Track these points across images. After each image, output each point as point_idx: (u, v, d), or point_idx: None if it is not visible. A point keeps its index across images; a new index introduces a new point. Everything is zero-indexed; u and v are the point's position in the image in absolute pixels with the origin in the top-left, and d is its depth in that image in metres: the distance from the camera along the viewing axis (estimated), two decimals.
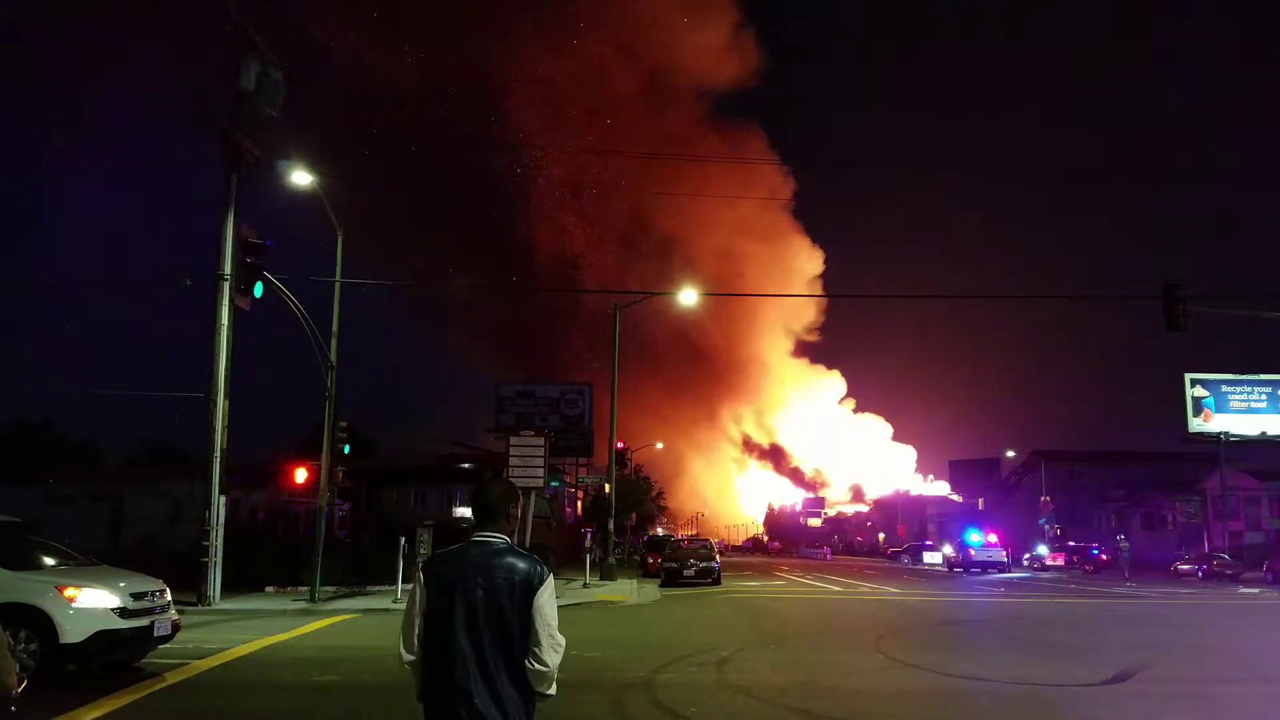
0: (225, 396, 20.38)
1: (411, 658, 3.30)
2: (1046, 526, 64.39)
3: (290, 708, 9.37)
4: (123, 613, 10.22)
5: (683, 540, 46.35)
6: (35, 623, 9.72)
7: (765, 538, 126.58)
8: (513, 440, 26.24)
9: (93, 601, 10.06)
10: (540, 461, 25.89)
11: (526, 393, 38.64)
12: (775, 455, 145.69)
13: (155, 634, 10.72)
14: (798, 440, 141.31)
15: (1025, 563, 58.04)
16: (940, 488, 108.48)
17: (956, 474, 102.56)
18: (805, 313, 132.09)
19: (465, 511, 38.47)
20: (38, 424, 58.19)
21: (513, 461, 25.50)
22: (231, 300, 20.36)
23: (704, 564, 30.41)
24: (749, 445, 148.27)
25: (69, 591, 9.98)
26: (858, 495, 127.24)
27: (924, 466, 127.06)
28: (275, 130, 22.26)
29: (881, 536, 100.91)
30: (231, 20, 20.37)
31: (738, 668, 11.72)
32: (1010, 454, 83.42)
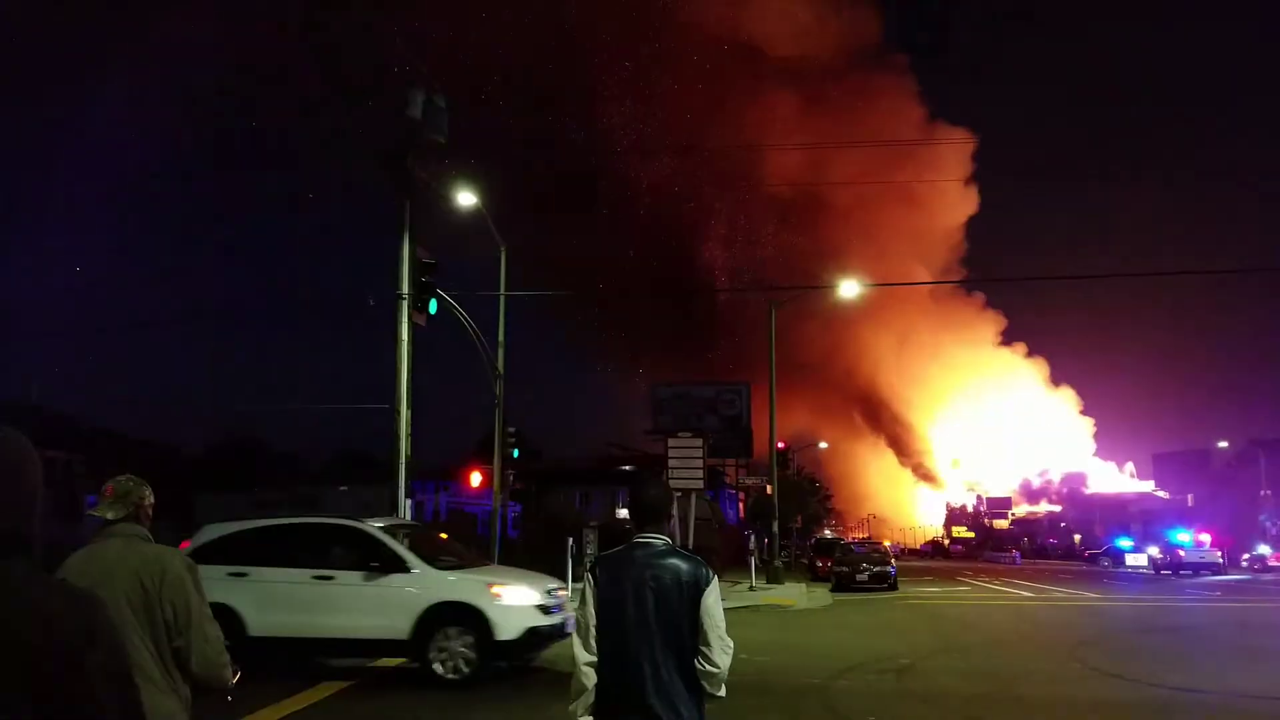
0: (408, 406, 21.63)
1: (591, 658, 3.30)
2: (1267, 523, 58.46)
3: (469, 701, 9.75)
4: (543, 609, 10.48)
5: (854, 543, 45.14)
6: (471, 620, 10.06)
7: (946, 541, 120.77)
8: (670, 442, 26.34)
9: (519, 599, 10.36)
10: (699, 462, 25.85)
11: (683, 394, 38.74)
12: (951, 454, 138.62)
13: (564, 630, 10.70)
14: (974, 433, 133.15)
15: (1244, 564, 52.83)
16: (1138, 483, 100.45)
17: (1161, 468, 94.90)
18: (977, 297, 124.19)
19: (626, 513, 38.99)
20: (246, 437, 63.84)
21: (672, 463, 25.59)
22: (410, 317, 21.62)
23: (878, 568, 29.44)
24: (903, 445, 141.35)
25: (496, 589, 10.29)
26: (1045, 492, 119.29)
27: (1121, 459, 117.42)
28: (441, 153, 23.48)
29: (1077, 537, 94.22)
30: (399, 52, 21.68)
31: (919, 675, 11.23)
32: (1223, 445, 76.48)
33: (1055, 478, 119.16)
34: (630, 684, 3.20)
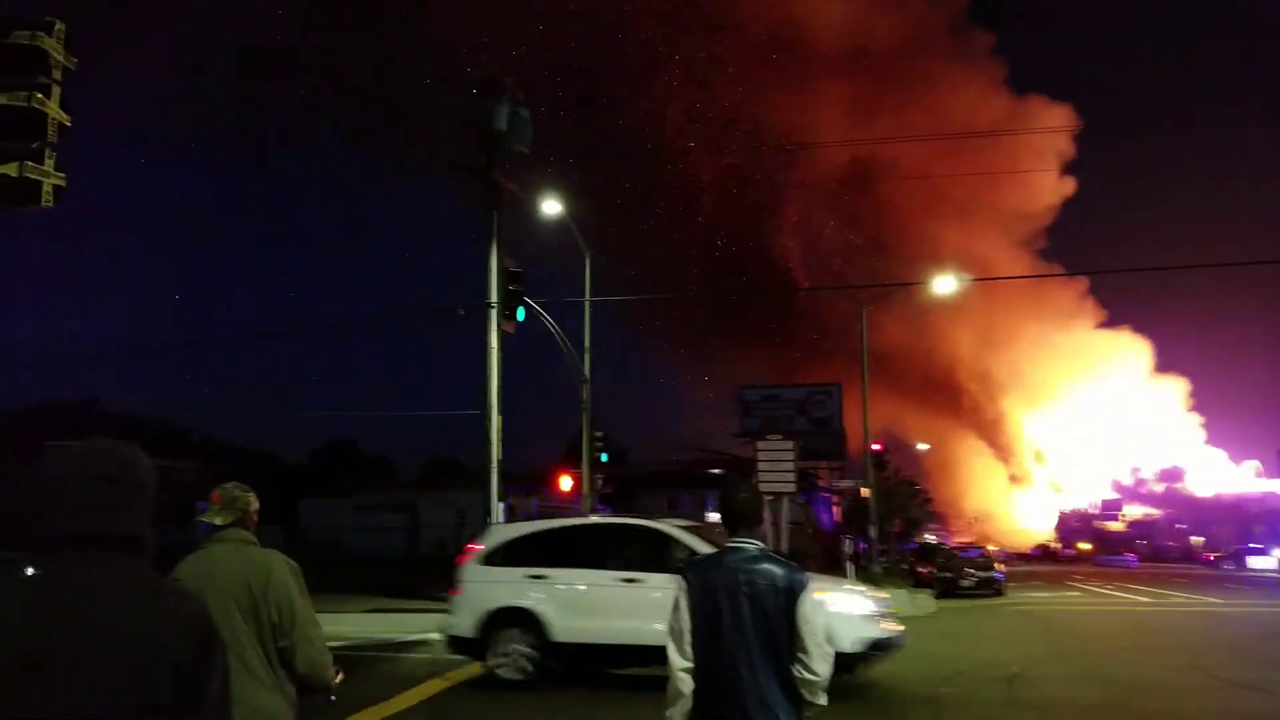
0: (498, 413, 22.05)
1: (688, 664, 3.26)
2: None
3: (572, 702, 9.80)
4: (877, 619, 10.12)
5: (958, 547, 43.87)
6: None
7: (1056, 544, 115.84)
8: (760, 445, 26.06)
9: (853, 607, 9.96)
10: (790, 466, 25.50)
11: (771, 396, 38.32)
12: (1041, 450, 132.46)
13: (900, 642, 10.36)
14: (1065, 427, 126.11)
15: None
16: (1264, 482, 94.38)
17: None
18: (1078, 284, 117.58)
19: (714, 517, 38.85)
20: (344, 443, 66.11)
21: (761, 466, 25.30)
22: (499, 325, 22.04)
23: (984, 573, 28.55)
24: (999, 444, 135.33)
25: (833, 596, 9.79)
26: (1138, 490, 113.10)
27: (1237, 454, 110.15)
28: (526, 163, 23.89)
29: (1199, 540, 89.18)
30: (484, 65, 22.14)
31: (1030, 684, 10.80)
32: None
33: (1150, 474, 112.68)
34: (727, 690, 3.16)
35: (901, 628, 10.46)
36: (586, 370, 23.67)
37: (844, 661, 8.86)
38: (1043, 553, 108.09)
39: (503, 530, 11.18)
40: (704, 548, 9.74)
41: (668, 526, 10.51)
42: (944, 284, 29.87)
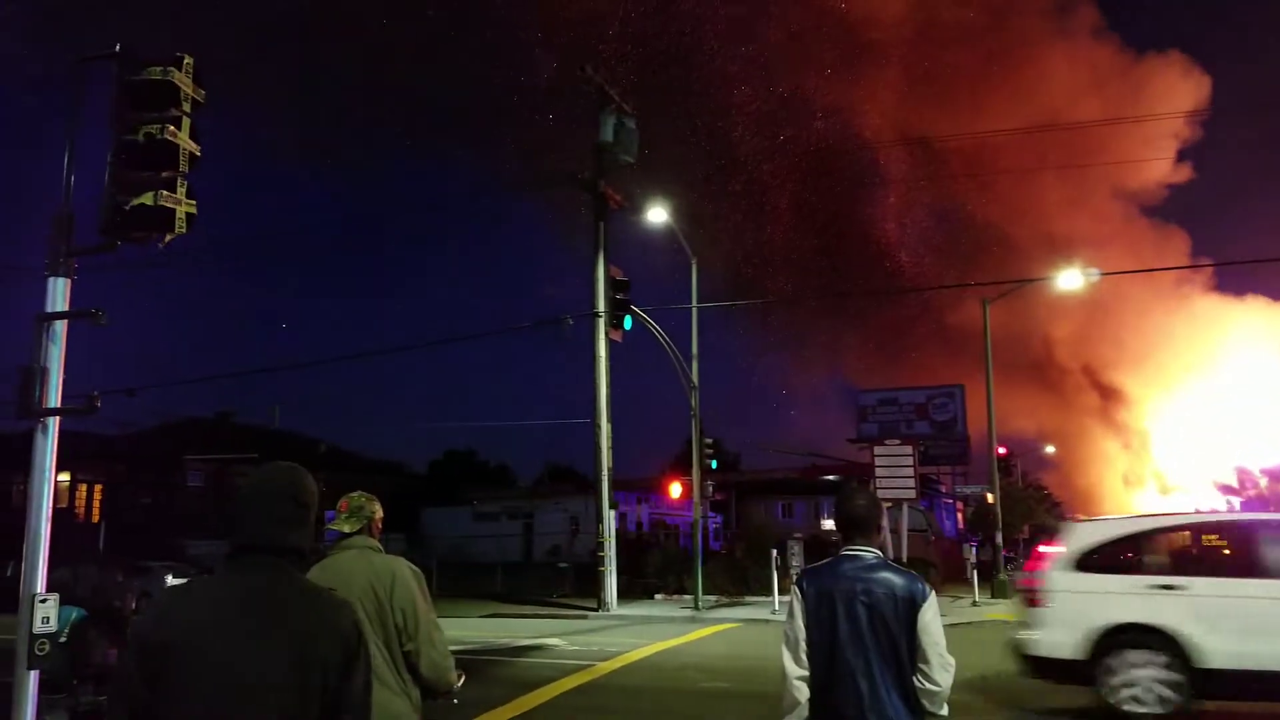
0: (608, 420, 22.32)
1: (803, 673, 3.23)
2: None
3: (687, 711, 9.81)
4: None
5: None
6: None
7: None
8: (878, 450, 25.49)
9: None
10: (910, 471, 24.85)
11: (889, 399, 37.42)
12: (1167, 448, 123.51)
13: None
14: (1185, 418, 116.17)
15: None
16: None
17: None
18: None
19: (831, 524, 38.07)
20: (464, 452, 68.14)
21: (879, 472, 24.74)
22: (606, 334, 22.31)
23: None
24: (1130, 442, 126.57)
25: None
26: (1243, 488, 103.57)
27: None
28: (630, 172, 24.10)
29: None
30: (587, 78, 22.48)
31: None
32: None
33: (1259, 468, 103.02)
34: (845, 700, 3.12)
35: None
36: (695, 377, 23.66)
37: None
38: None
39: (1096, 529, 9.34)
40: None
41: None
42: (1071, 278, 28.18)
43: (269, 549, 2.03)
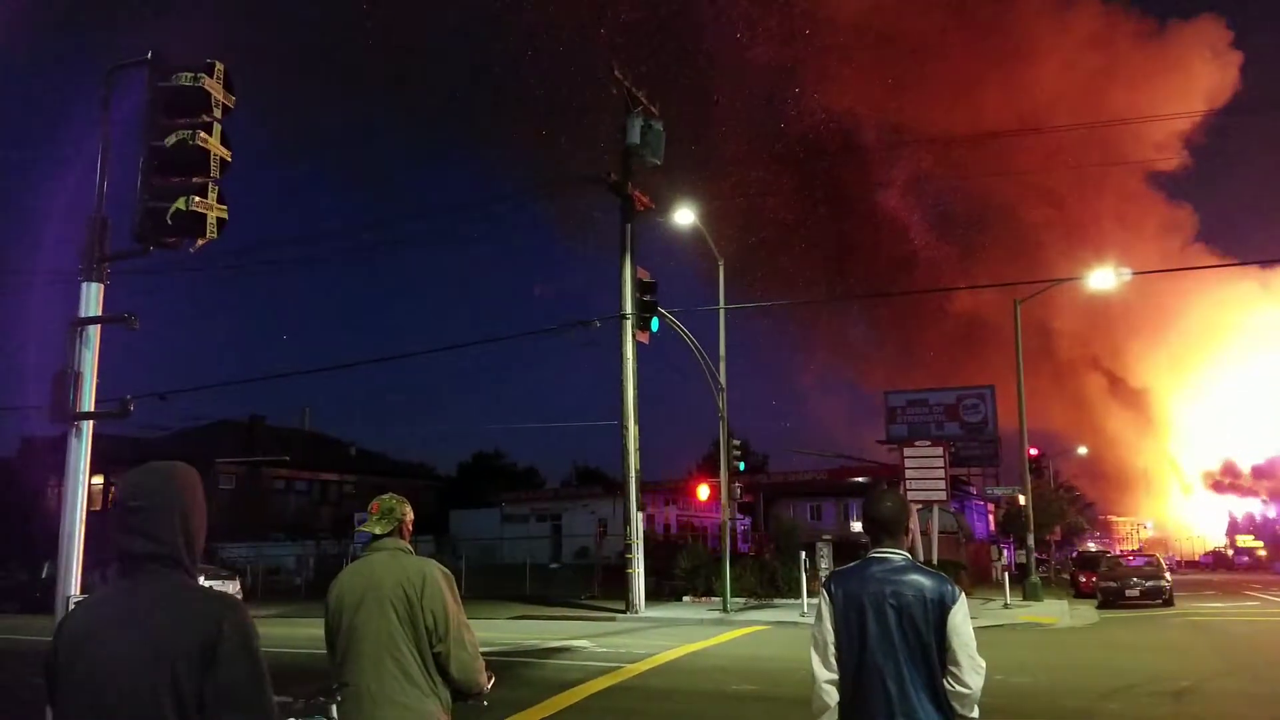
0: (635, 422, 22.32)
1: (832, 676, 3.22)
2: None
3: (716, 714, 9.77)
4: None
5: (1122, 555, 41.11)
6: None
7: (1229, 551, 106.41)
8: (908, 452, 25.27)
9: None
10: (940, 473, 24.61)
11: (919, 400, 37.10)
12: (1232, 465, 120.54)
13: None
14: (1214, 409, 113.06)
15: None
16: None
17: None
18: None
19: (857, 527, 37.82)
20: (492, 455, 68.47)
21: (909, 474, 24.52)
22: (633, 336, 22.30)
23: (1150, 582, 26.64)
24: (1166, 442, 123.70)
25: None
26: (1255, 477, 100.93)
27: None
28: (656, 174, 24.10)
29: None
30: (616, 80, 22.52)
31: (1201, 699, 9.98)
32: None
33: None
34: (874, 704, 3.10)
35: None
36: (722, 378, 23.60)
37: None
38: (1215, 560, 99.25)
39: None
40: None
41: None
42: (1101, 278, 27.74)
43: (125, 561, 2.08)
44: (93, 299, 6.88)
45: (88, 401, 6.75)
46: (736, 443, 23.81)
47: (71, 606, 6.22)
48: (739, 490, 24.30)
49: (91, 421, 6.82)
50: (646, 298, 22.24)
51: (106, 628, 2.00)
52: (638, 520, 21.96)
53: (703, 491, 27.43)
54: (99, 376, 6.87)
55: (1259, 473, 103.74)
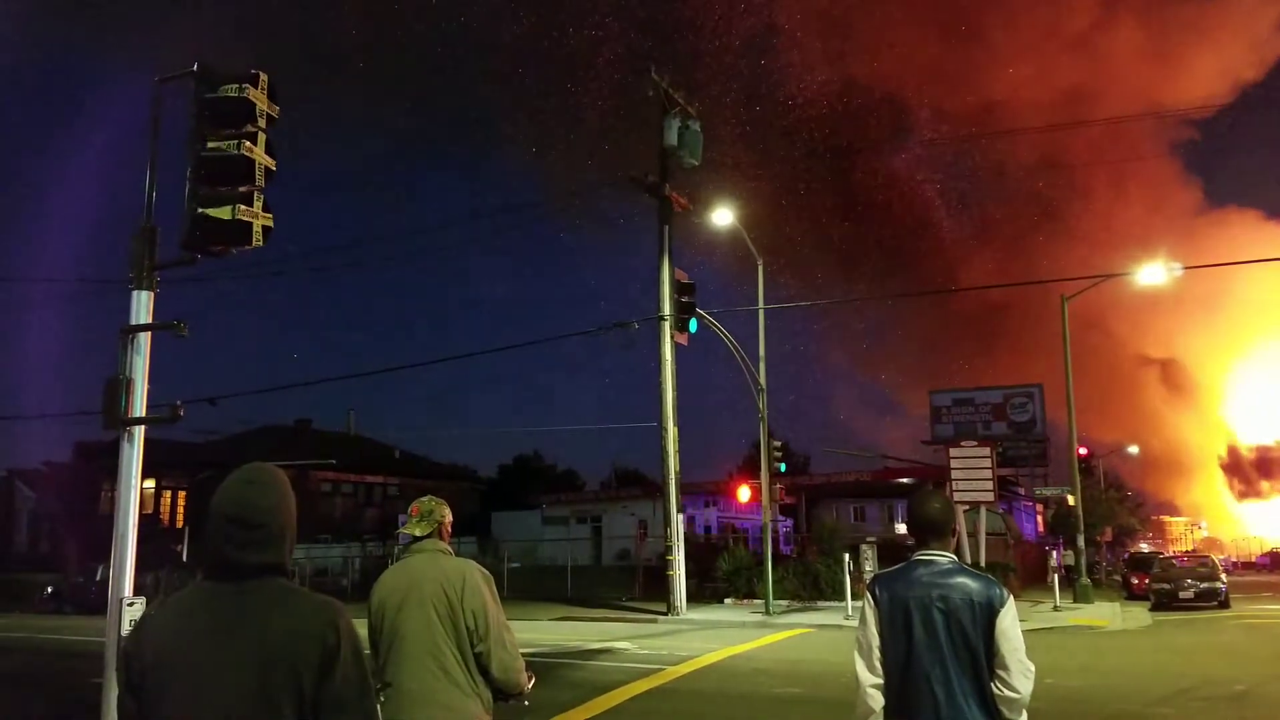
0: (674, 424, 22.27)
1: (877, 680, 3.18)
2: None
3: (758, 717, 9.71)
4: None
5: (1176, 556, 40.10)
6: None
7: None
8: (953, 452, 24.92)
9: None
10: (987, 474, 24.24)
11: (965, 400, 36.57)
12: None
13: None
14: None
15: None
16: None
17: None
18: None
19: (904, 528, 37.33)
20: (531, 457, 68.79)
21: (955, 475, 24.18)
22: (671, 337, 22.27)
23: (1205, 584, 25.97)
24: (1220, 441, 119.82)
25: None
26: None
27: None
28: (695, 175, 24.05)
29: None
30: (654, 82, 22.52)
31: (1260, 703, 9.71)
32: None
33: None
34: (920, 708, 3.05)
35: None
36: (762, 379, 23.47)
37: None
38: (1272, 561, 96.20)
39: None
40: None
41: None
42: (1152, 274, 27.01)
43: (232, 570, 2.05)
44: (143, 307, 7.03)
45: (139, 407, 6.91)
46: (777, 444, 23.66)
47: (125, 608, 6.37)
48: (780, 491, 24.13)
49: (143, 426, 6.97)
50: (684, 299, 22.18)
51: (212, 633, 1.99)
52: (678, 522, 21.91)
53: (743, 493, 27.28)
54: (150, 382, 7.02)
55: None
